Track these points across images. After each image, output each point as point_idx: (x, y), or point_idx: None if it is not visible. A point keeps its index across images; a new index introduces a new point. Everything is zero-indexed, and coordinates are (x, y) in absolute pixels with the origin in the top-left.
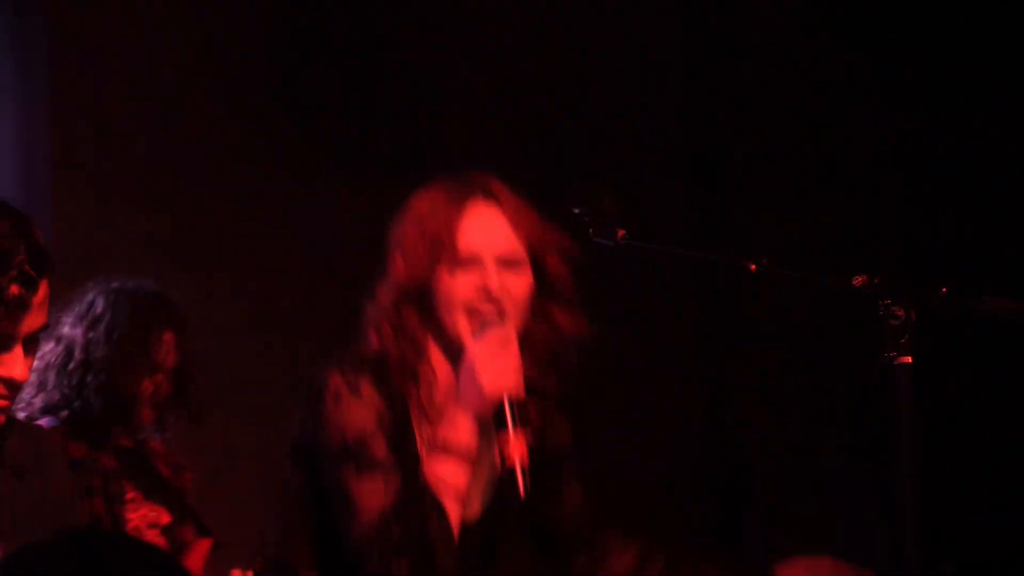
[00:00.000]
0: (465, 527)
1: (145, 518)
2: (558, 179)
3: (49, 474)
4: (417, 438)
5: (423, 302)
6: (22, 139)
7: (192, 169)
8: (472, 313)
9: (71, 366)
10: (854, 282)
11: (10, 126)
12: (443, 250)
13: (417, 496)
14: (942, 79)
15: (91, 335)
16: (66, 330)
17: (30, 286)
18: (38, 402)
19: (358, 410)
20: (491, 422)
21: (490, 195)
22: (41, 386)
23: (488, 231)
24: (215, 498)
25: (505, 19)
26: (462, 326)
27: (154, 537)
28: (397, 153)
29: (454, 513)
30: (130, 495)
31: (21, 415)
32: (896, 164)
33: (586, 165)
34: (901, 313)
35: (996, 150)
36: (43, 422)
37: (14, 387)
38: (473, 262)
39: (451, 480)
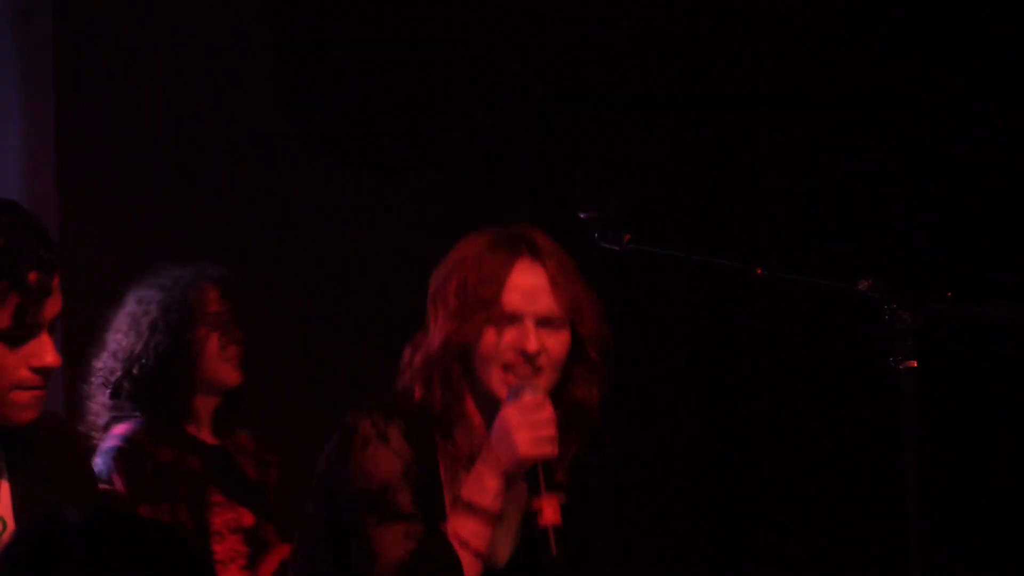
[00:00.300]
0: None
1: (228, 522)
2: (564, 183)
3: (77, 477)
4: (445, 492)
5: (466, 356)
6: (27, 142)
7: (198, 170)
8: (509, 370)
9: (134, 369)
10: (859, 286)
11: (15, 129)
12: (489, 309)
13: (438, 550)
14: (950, 80)
15: (140, 337)
16: (118, 341)
17: (47, 271)
18: (108, 412)
19: (386, 458)
20: (520, 482)
21: (536, 253)
22: (112, 394)
23: (532, 291)
24: None
25: (509, 19)
26: (498, 382)
27: (236, 542)
28: (400, 156)
29: (472, 571)
30: (216, 498)
31: (99, 429)
32: (902, 166)
33: (591, 169)
34: (907, 317)
35: (1004, 153)
36: (124, 429)
37: (48, 374)
38: (514, 321)
39: (472, 540)
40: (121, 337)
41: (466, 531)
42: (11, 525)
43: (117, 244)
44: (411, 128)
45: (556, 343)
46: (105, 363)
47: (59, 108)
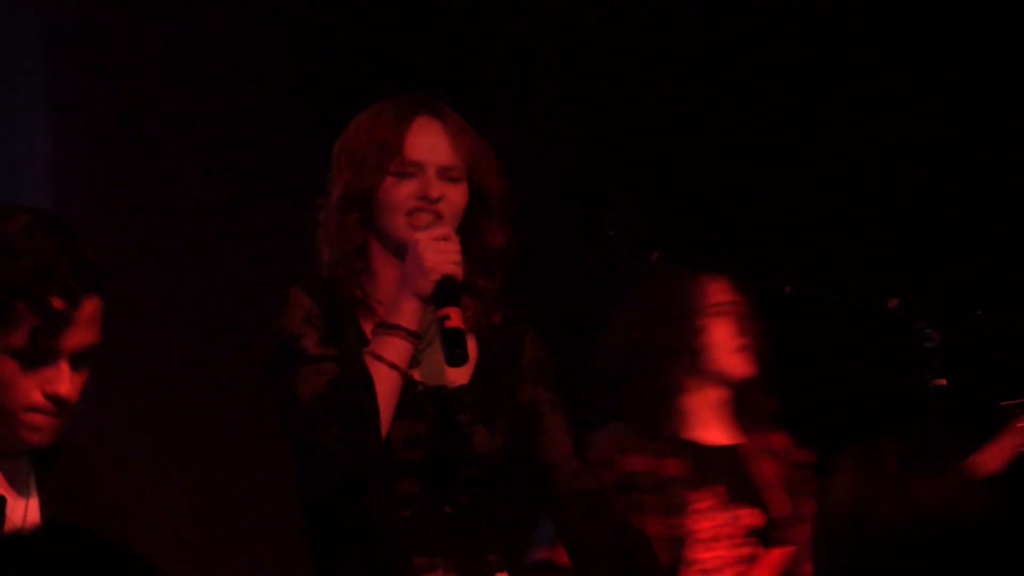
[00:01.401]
0: (423, 395)
1: (719, 527)
2: (593, 202)
3: (98, 502)
4: (363, 330)
5: (366, 207)
6: (56, 147)
7: (225, 173)
8: (412, 217)
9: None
10: (888, 304)
11: (44, 133)
12: (389, 157)
13: (350, 375)
14: (982, 100)
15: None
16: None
17: (72, 300)
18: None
19: (287, 315)
20: (432, 300)
21: (435, 110)
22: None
23: (431, 142)
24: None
25: (531, 29)
26: (403, 228)
27: (731, 547)
28: None
29: (389, 384)
30: (702, 504)
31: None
32: (933, 186)
33: (620, 187)
34: (936, 336)
35: None
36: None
37: (61, 404)
38: (416, 170)
39: (388, 354)
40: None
41: (383, 348)
42: None
43: (145, 249)
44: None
45: (456, 193)
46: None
47: (88, 113)
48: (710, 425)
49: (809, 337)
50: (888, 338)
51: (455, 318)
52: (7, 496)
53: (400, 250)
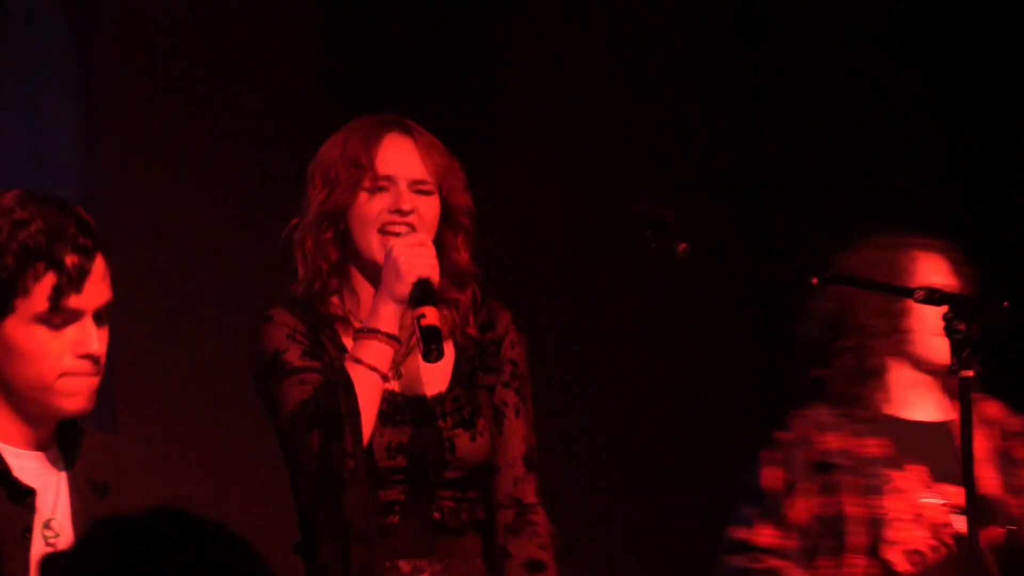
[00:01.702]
0: (403, 404)
1: (918, 508)
2: (619, 192)
3: (128, 489)
4: (344, 345)
5: (341, 225)
6: (82, 141)
7: (253, 168)
8: (385, 232)
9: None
10: (916, 295)
11: (70, 128)
12: (361, 173)
13: (333, 382)
14: (1002, 85)
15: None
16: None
17: (87, 255)
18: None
19: (269, 332)
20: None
21: (405, 128)
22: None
23: (402, 157)
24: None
25: (558, 30)
26: (377, 246)
27: (926, 526)
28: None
29: (370, 387)
30: (902, 483)
31: None
32: (957, 177)
33: (646, 178)
34: (963, 327)
35: None
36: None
37: (95, 362)
38: (388, 184)
39: (368, 358)
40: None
41: (363, 352)
42: (66, 530)
43: (172, 241)
44: (461, 139)
45: (427, 206)
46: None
47: (113, 108)
48: (916, 402)
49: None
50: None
51: (431, 316)
52: (36, 488)
53: (375, 268)
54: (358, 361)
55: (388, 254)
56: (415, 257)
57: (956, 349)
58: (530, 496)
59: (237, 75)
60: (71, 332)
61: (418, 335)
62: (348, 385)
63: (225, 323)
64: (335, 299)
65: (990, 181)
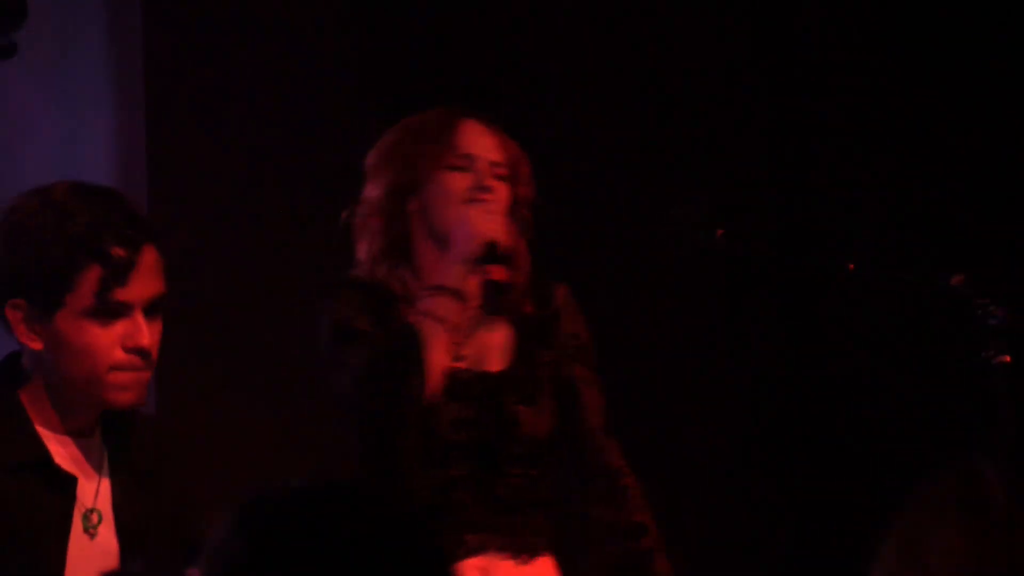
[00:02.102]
0: (468, 379)
1: None
2: (653, 179)
3: (180, 476)
4: (408, 316)
5: (412, 202)
6: (119, 138)
7: (287, 165)
8: (467, 205)
9: None
10: (952, 281)
11: (107, 125)
12: (442, 149)
13: (399, 338)
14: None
15: None
16: None
17: (132, 247)
18: None
19: (339, 305)
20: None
21: (480, 117)
22: None
23: (482, 139)
24: None
25: (586, 17)
26: (455, 218)
27: None
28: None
29: (437, 336)
30: None
31: None
32: (997, 160)
33: (680, 165)
34: (1000, 312)
35: None
36: None
37: (145, 356)
38: (468, 163)
39: (436, 309)
40: None
41: (431, 305)
42: (107, 518)
43: (209, 238)
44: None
45: (504, 189)
46: None
47: (149, 103)
48: None
49: (870, 314)
50: (952, 315)
51: (498, 274)
52: (79, 476)
53: (447, 241)
54: (425, 314)
55: (461, 218)
56: (488, 221)
57: (992, 335)
58: (617, 460)
59: (279, 58)
60: (121, 326)
61: (483, 298)
62: (414, 335)
63: (267, 311)
64: (398, 279)
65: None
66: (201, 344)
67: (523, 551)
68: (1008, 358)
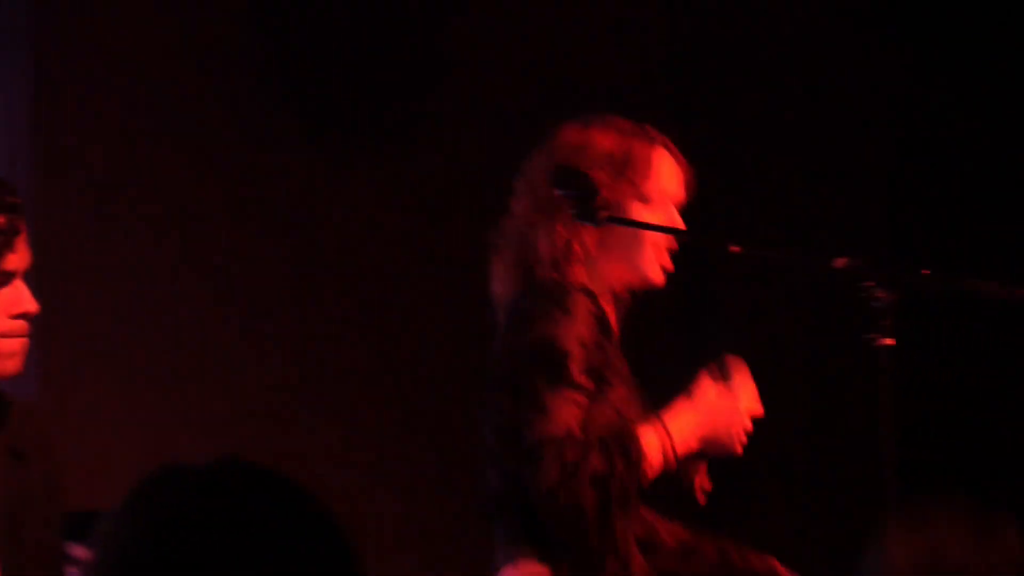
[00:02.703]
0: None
1: None
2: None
3: (49, 458)
4: (608, 320)
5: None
6: (3, 131)
7: (178, 154)
8: (659, 253)
9: None
10: (836, 263)
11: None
12: (641, 178)
13: (617, 428)
14: (934, 60)
15: None
16: None
17: (15, 214)
18: None
19: (566, 325)
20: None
21: (673, 151)
22: None
23: (676, 179)
24: None
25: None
26: (649, 261)
27: None
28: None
29: (655, 449)
30: None
31: None
32: (881, 146)
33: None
34: (883, 295)
35: (986, 132)
36: None
37: (29, 321)
38: (662, 199)
39: (649, 451)
40: None
41: (647, 442)
42: None
43: (100, 235)
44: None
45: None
46: None
47: (37, 95)
48: None
49: (756, 296)
50: (836, 297)
51: (702, 474)
52: None
53: (630, 269)
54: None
55: (729, 402)
56: (741, 436)
57: (877, 318)
58: None
59: (163, 57)
60: (5, 293)
61: (690, 479)
62: (638, 450)
63: (148, 304)
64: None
65: (925, 153)
66: (83, 335)
67: None
68: (892, 340)
